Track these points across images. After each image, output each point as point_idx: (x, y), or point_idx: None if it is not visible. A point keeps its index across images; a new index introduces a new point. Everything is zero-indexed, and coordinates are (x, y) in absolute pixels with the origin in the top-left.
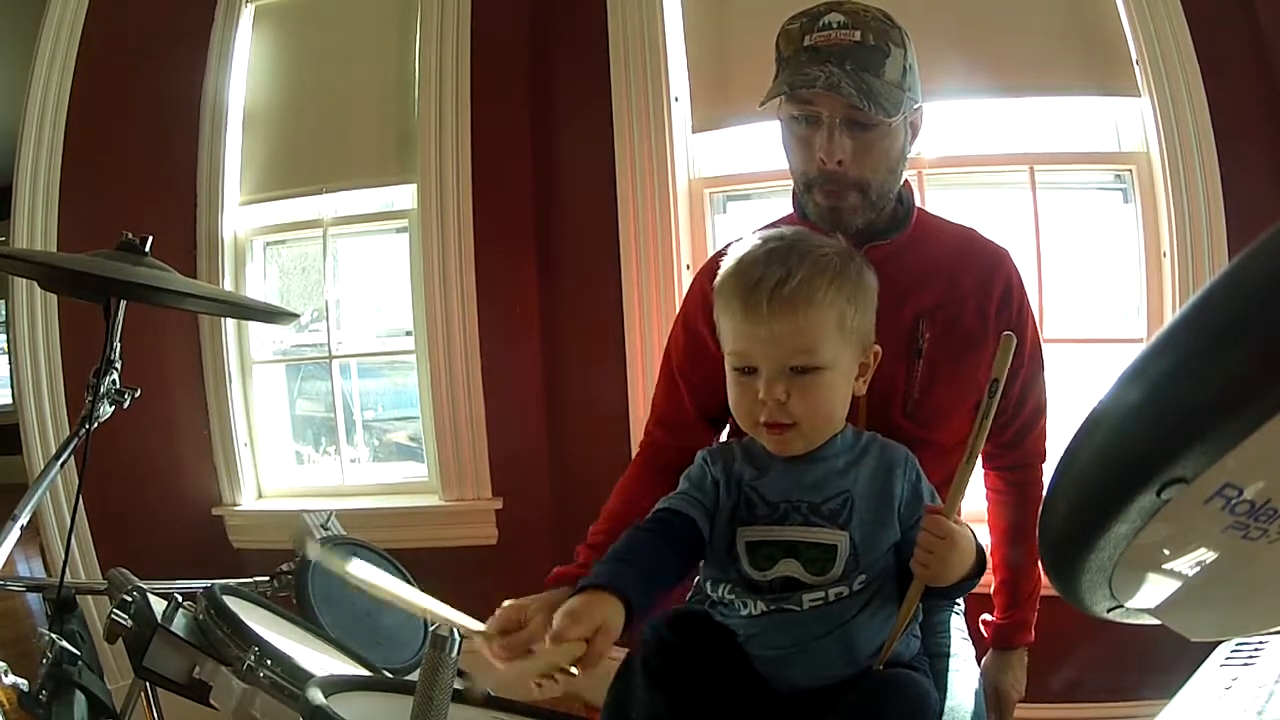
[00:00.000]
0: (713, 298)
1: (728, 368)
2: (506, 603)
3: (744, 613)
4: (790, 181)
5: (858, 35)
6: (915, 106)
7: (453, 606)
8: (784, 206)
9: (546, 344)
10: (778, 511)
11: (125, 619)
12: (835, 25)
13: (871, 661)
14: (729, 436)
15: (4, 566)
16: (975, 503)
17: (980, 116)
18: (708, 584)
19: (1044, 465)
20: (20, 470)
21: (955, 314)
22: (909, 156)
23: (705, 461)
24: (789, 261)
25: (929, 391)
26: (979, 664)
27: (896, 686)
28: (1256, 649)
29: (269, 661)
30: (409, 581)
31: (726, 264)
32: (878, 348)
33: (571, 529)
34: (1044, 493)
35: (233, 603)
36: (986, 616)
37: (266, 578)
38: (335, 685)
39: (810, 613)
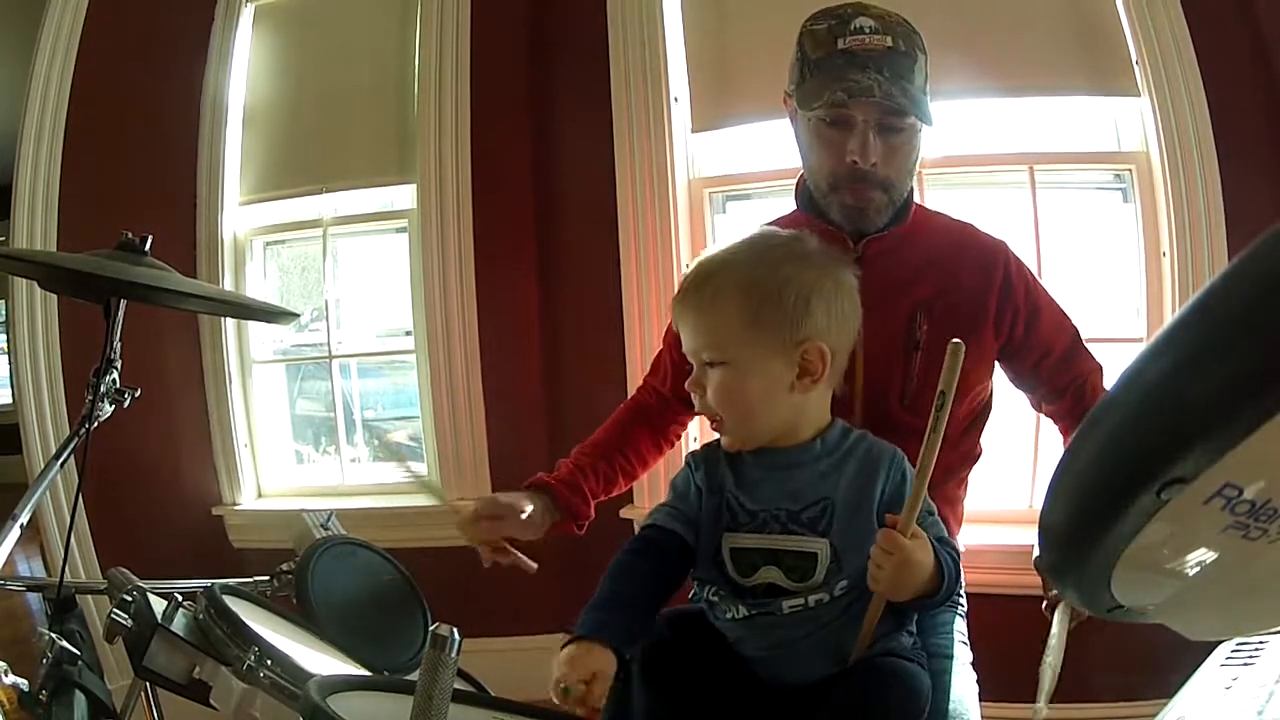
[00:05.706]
0: None
1: None
2: (484, 496)
3: (728, 616)
4: (788, 180)
5: (889, 41)
6: None
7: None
8: (783, 206)
9: (546, 344)
10: (757, 519)
11: (125, 619)
12: (867, 30)
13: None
14: None
15: (4, 566)
16: (978, 504)
17: (980, 116)
18: (697, 585)
19: (1102, 373)
20: (20, 470)
21: (952, 304)
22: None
23: (689, 466)
24: (714, 260)
25: (927, 383)
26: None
27: (886, 673)
28: (1256, 649)
29: (269, 661)
30: (409, 581)
31: None
32: (823, 346)
33: None
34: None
35: (233, 602)
36: None
37: (266, 578)
38: (335, 685)
39: (791, 618)
